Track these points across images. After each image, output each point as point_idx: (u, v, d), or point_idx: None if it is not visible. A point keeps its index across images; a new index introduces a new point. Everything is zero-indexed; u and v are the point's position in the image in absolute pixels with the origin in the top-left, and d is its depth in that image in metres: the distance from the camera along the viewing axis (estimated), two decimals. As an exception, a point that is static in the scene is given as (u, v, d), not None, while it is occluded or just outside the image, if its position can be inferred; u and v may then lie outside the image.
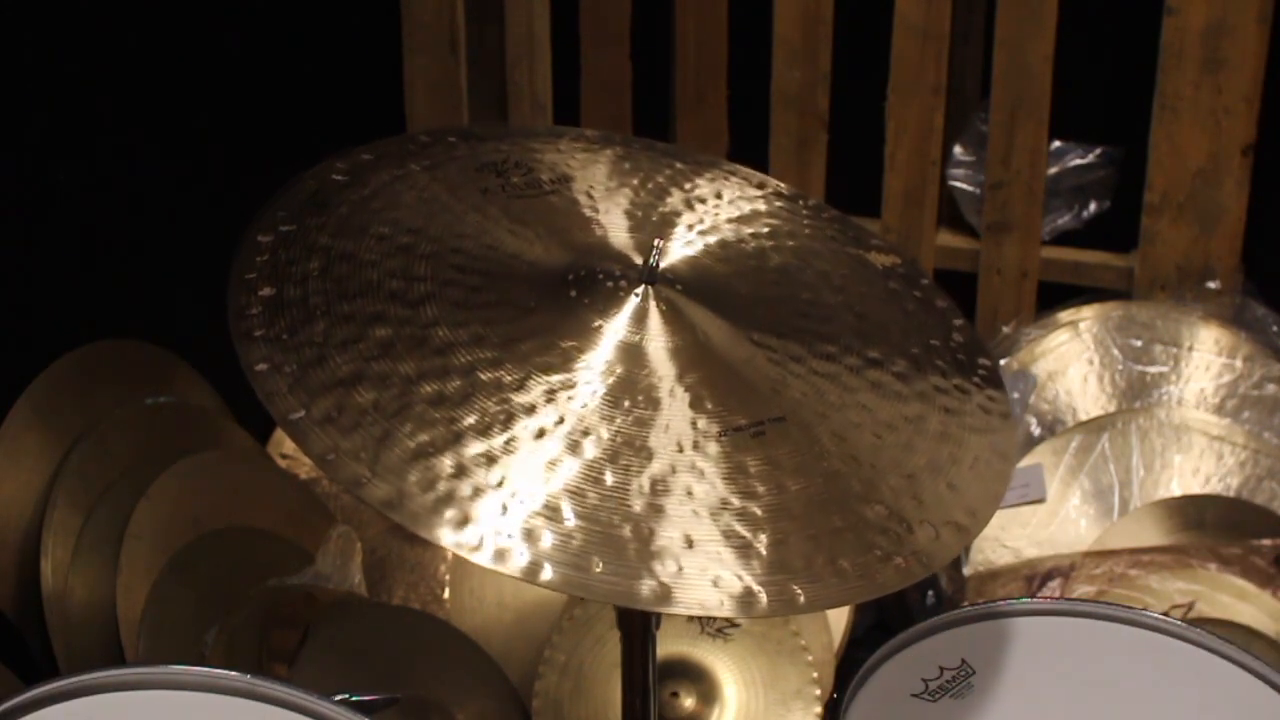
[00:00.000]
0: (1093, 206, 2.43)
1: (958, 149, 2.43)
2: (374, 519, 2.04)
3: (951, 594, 2.06)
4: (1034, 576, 1.97)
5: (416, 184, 1.34)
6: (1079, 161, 2.42)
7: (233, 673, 1.13)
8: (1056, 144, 2.39)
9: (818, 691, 1.81)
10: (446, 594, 2.01)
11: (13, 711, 1.04)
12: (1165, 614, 1.44)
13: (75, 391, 1.91)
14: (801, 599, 1.10)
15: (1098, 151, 2.42)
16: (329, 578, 1.84)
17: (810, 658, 1.82)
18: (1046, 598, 1.87)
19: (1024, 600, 1.44)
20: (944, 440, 1.26)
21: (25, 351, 1.91)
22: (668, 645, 1.79)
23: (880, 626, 2.17)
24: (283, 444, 2.15)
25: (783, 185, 1.51)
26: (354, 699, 1.20)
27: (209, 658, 1.73)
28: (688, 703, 1.82)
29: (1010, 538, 2.06)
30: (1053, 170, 2.39)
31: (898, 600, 2.13)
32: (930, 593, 2.10)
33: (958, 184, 2.43)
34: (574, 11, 2.53)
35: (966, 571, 2.05)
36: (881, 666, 1.35)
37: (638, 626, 1.30)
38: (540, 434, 1.13)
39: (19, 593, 1.81)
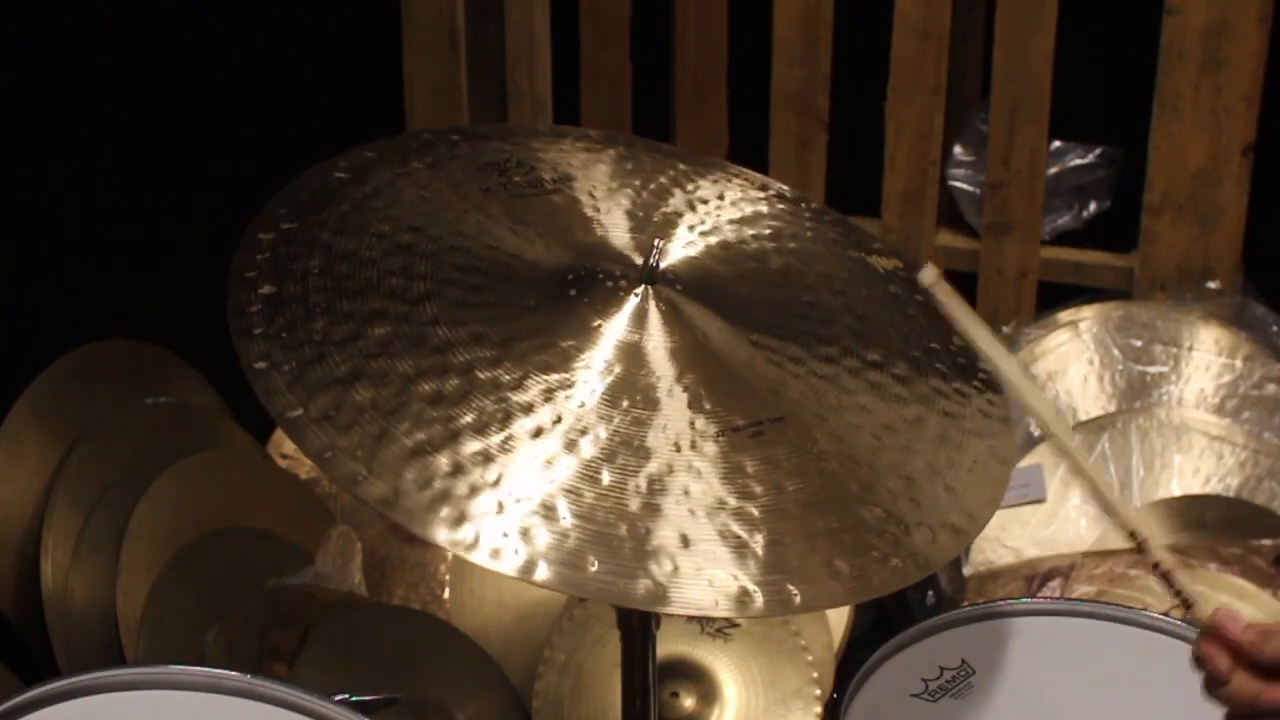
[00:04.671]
0: (1093, 206, 2.43)
1: (958, 149, 2.43)
2: (374, 519, 2.04)
3: (951, 594, 2.06)
4: (1034, 576, 1.97)
5: (418, 182, 1.34)
6: (1079, 161, 2.42)
7: (233, 673, 1.13)
8: (1056, 144, 2.39)
9: (818, 691, 1.81)
10: (446, 594, 2.01)
11: (13, 711, 1.04)
12: (1165, 614, 1.44)
13: (75, 391, 1.91)
14: (797, 599, 1.10)
15: (1098, 151, 2.41)
16: (329, 578, 1.84)
17: (810, 658, 1.82)
18: (1046, 598, 1.87)
19: (1024, 600, 1.44)
20: (943, 443, 1.26)
21: (25, 351, 1.91)
22: (668, 645, 1.79)
23: (880, 626, 2.16)
24: (283, 444, 2.15)
25: (785, 187, 1.51)
26: (354, 699, 1.20)
27: (209, 658, 1.73)
28: (688, 703, 1.82)
29: (1010, 538, 2.06)
30: (1053, 170, 2.39)
31: (898, 600, 2.13)
32: (930, 593, 2.10)
33: (958, 184, 2.43)
34: (574, 11, 2.53)
35: (966, 571, 2.05)
36: (881, 666, 1.35)
37: (638, 626, 1.30)
38: (538, 433, 1.13)
39: (19, 593, 1.81)
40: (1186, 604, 1.08)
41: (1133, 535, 1.10)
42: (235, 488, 1.94)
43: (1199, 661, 1.06)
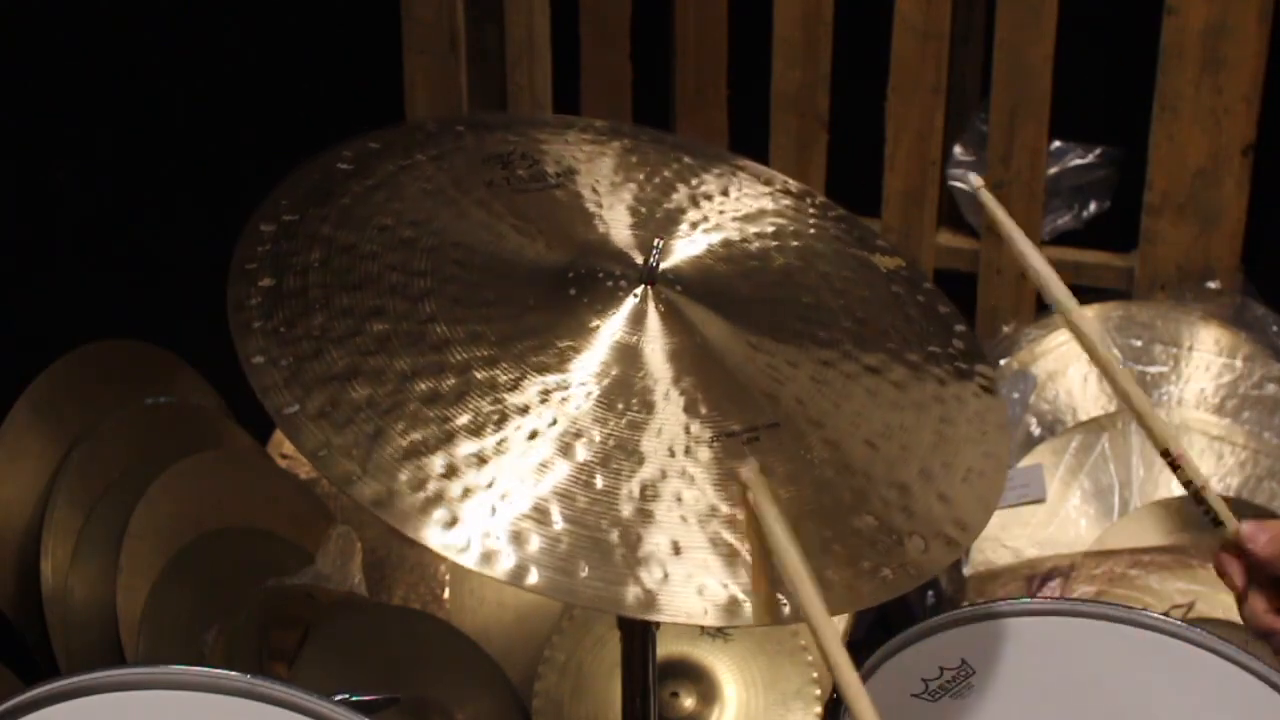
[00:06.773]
0: (1093, 206, 2.43)
1: (958, 149, 2.43)
2: (374, 519, 2.03)
3: (951, 594, 2.06)
4: (1034, 576, 1.97)
5: (421, 175, 1.33)
6: (1079, 161, 2.42)
7: (233, 673, 1.13)
8: (1056, 144, 2.39)
9: (818, 691, 1.81)
10: (446, 594, 2.01)
11: (13, 711, 1.04)
12: (1165, 614, 1.44)
13: (75, 391, 1.91)
14: (785, 610, 1.09)
15: (1098, 151, 2.42)
16: (329, 578, 1.84)
17: (810, 658, 1.82)
18: (1046, 598, 1.87)
19: (1024, 600, 1.44)
20: (937, 450, 1.25)
21: (25, 351, 1.91)
22: (668, 645, 1.79)
23: (880, 626, 2.16)
24: (283, 444, 2.15)
25: (790, 182, 1.50)
26: (354, 699, 1.20)
27: (209, 658, 1.73)
28: (688, 703, 1.82)
29: (1010, 538, 2.06)
30: (1053, 170, 2.39)
31: (898, 600, 2.12)
32: (930, 593, 2.10)
33: (958, 184, 2.43)
34: (574, 11, 2.53)
35: (966, 571, 2.05)
36: (881, 666, 1.35)
37: (638, 627, 1.30)
38: (533, 435, 1.13)
39: (19, 593, 1.81)
40: (1216, 521, 1.09)
41: (1166, 452, 1.10)
42: (235, 488, 1.94)
43: (1220, 574, 1.07)
